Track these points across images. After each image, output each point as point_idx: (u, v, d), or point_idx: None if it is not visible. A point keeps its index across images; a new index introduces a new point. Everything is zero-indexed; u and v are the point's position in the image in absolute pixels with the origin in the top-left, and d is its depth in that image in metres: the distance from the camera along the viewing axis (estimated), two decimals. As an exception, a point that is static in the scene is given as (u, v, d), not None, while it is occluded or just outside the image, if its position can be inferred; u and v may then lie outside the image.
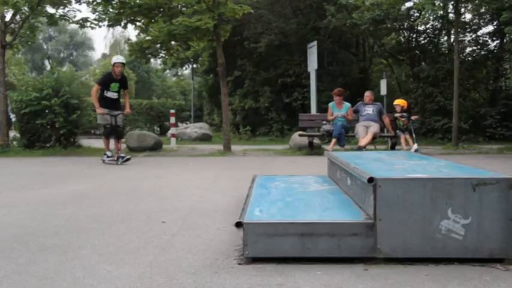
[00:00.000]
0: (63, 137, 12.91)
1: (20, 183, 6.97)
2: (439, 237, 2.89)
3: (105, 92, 9.73)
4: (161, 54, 17.76)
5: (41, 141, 12.96)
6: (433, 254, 2.91)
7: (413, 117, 12.44)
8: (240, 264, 2.95)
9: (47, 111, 12.57)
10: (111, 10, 14.04)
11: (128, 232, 3.81)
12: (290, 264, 2.91)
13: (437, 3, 15.51)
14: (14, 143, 13.39)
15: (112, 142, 9.98)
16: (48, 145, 13.03)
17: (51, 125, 12.84)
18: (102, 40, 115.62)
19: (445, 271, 2.81)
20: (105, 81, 9.82)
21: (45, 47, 63.10)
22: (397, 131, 12.14)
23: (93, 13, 14.24)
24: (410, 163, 4.09)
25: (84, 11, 17.51)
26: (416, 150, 11.06)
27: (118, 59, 10.01)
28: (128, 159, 9.75)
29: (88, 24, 14.48)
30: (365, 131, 11.27)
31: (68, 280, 2.70)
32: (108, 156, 9.89)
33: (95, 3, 13.72)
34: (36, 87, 12.74)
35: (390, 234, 2.91)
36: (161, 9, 14.02)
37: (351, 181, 3.78)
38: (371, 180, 2.95)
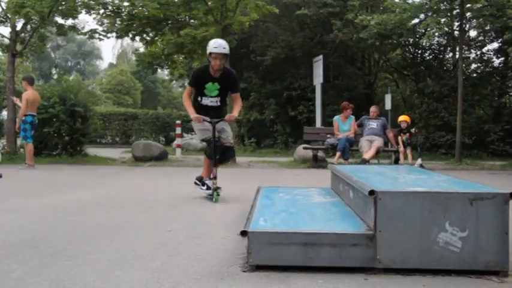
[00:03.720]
0: (69, 146, 13.04)
1: (29, 190, 7.08)
2: (437, 249, 2.98)
3: (199, 98, 6.24)
4: (166, 66, 17.97)
5: (48, 149, 13.10)
6: (431, 265, 3.00)
7: (412, 130, 12.54)
8: (244, 271, 3.05)
9: (54, 119, 12.72)
10: (118, 23, 14.24)
11: (135, 239, 3.92)
12: (293, 273, 3.01)
13: (442, 20, 15.64)
14: (22, 150, 13.52)
15: (209, 165, 6.41)
16: (55, 153, 13.16)
17: (58, 133, 12.98)
18: (110, 50, 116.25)
19: (443, 282, 2.91)
20: (198, 80, 6.20)
21: (53, 56, 63.49)
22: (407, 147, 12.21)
23: (100, 25, 14.46)
24: (412, 177, 4.19)
25: (91, 22, 17.65)
26: (421, 165, 11.15)
27: (216, 43, 6.05)
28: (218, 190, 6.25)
29: (96, 35, 14.68)
30: (369, 145, 11.38)
31: (79, 283, 2.81)
32: (207, 187, 6.36)
33: (104, 15, 13.92)
34: (44, 96, 12.88)
35: (390, 246, 3.01)
36: (169, 22, 14.21)
37: (353, 193, 3.88)
38: (372, 192, 3.05)
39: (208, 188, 6.29)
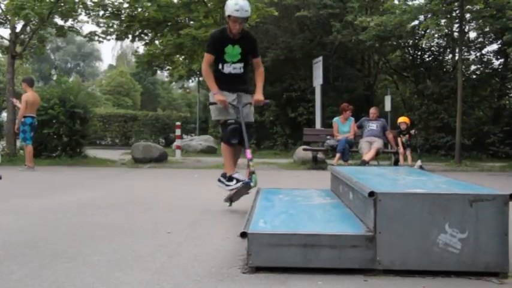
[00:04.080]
0: (69, 147, 13.06)
1: (29, 191, 7.08)
2: (437, 251, 2.98)
3: (220, 65, 5.37)
4: (167, 67, 17.98)
5: (47, 151, 13.11)
6: (430, 266, 3.00)
7: (412, 131, 12.55)
8: (244, 273, 3.05)
9: (53, 121, 12.73)
10: (116, 24, 14.25)
11: (135, 240, 3.92)
12: (292, 274, 3.01)
13: (442, 22, 15.66)
14: (21, 152, 13.53)
15: (231, 153, 5.54)
16: (54, 155, 13.17)
17: (58, 135, 12.99)
18: (110, 51, 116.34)
19: (442, 283, 2.91)
20: (217, 45, 5.34)
21: (52, 57, 63.54)
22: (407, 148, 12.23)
23: (99, 27, 14.48)
24: (411, 179, 4.20)
25: (90, 23, 17.70)
26: (420, 167, 11.16)
27: (238, 5, 5.12)
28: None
29: (96, 38, 14.69)
30: (369, 146, 11.40)
31: (79, 285, 2.80)
32: (236, 182, 5.26)
33: (104, 16, 13.93)
34: (44, 97, 12.89)
35: (389, 247, 3.01)
36: (169, 23, 14.22)
37: (353, 195, 3.88)
38: (372, 194, 3.05)
39: (238, 181, 5.25)
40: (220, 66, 5.36)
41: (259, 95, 5.43)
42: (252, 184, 5.20)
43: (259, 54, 5.66)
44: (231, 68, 5.35)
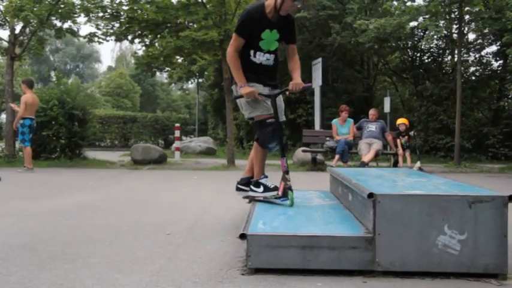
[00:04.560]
0: (68, 149, 13.06)
1: (28, 193, 7.08)
2: (436, 252, 2.98)
3: (252, 53, 4.32)
4: (167, 68, 17.98)
5: (46, 152, 13.11)
6: (429, 268, 3.00)
7: (411, 133, 12.56)
8: (243, 274, 3.05)
9: (53, 122, 12.74)
10: (116, 26, 14.25)
11: (134, 242, 3.92)
12: (292, 276, 3.00)
13: (440, 23, 15.67)
14: (20, 153, 13.52)
15: (264, 158, 4.80)
16: (53, 156, 13.17)
17: (57, 136, 13.00)
18: (109, 53, 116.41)
19: (441, 285, 2.90)
20: (253, 27, 4.25)
21: (51, 59, 63.57)
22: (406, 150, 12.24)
23: (98, 29, 14.49)
24: (410, 180, 4.20)
25: (89, 25, 17.64)
26: (420, 168, 11.17)
27: None
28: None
29: (96, 39, 14.70)
30: (368, 147, 11.41)
31: (78, 287, 2.80)
32: (264, 189, 4.46)
33: (103, 18, 13.93)
34: (43, 99, 12.89)
35: (389, 248, 3.01)
36: (168, 25, 14.22)
37: (352, 196, 3.88)
38: (371, 195, 3.05)
39: (266, 189, 4.41)
40: (252, 54, 4.28)
41: (297, 79, 4.34)
42: (287, 203, 4.25)
43: (295, 40, 4.58)
44: (264, 58, 4.31)
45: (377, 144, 11.46)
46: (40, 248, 3.69)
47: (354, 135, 12.15)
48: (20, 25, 14.06)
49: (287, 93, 4.43)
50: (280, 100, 4.42)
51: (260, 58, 4.29)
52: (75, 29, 14.89)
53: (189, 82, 39.93)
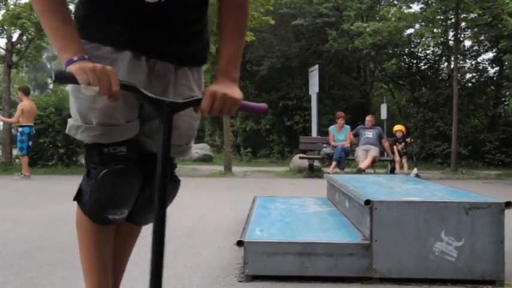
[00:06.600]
0: (65, 156, 13.04)
1: (25, 201, 7.07)
2: (433, 259, 2.99)
3: None
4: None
5: (43, 160, 13.09)
6: (427, 274, 3.00)
7: (408, 139, 12.59)
8: (240, 281, 3.05)
9: (50, 129, 12.72)
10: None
11: (131, 249, 3.91)
12: (289, 283, 3.00)
13: (436, 30, 15.74)
14: (17, 160, 13.50)
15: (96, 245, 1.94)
16: (50, 163, 13.15)
17: (54, 144, 12.98)
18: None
19: (438, 291, 2.92)
20: None
21: (48, 66, 63.53)
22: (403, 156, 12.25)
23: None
24: (407, 187, 4.21)
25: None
26: (416, 175, 11.18)
27: None
28: None
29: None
30: (365, 154, 11.42)
31: (75, 294, 2.80)
32: None
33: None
34: (40, 106, 12.89)
35: (386, 255, 3.01)
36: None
37: (349, 203, 3.89)
38: (368, 202, 3.06)
39: None
40: None
41: (226, 75, 1.64)
42: None
43: None
44: None
45: (374, 151, 11.47)
46: (37, 255, 3.68)
47: (351, 142, 12.17)
48: (17, 33, 14.07)
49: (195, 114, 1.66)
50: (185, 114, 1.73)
51: None
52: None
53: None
